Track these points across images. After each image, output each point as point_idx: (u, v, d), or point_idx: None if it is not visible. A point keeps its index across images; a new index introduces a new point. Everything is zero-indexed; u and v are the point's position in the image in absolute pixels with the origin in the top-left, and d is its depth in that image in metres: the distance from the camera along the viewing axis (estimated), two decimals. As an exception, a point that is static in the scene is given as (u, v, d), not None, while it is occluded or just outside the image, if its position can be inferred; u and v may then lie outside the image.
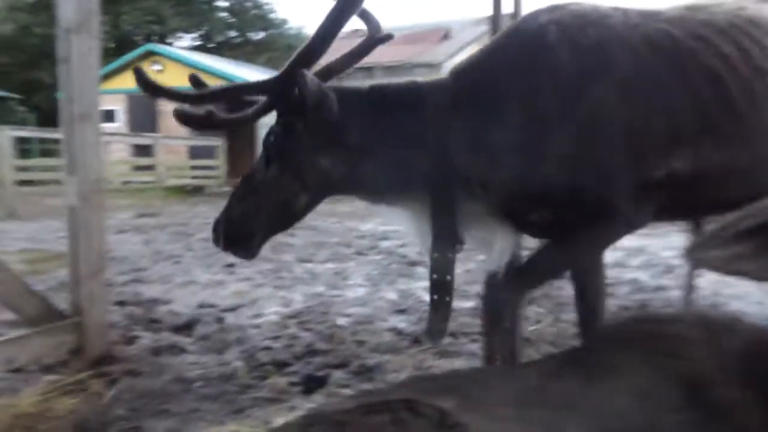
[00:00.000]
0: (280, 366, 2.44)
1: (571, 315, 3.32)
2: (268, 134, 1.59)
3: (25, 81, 22.37)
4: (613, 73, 1.45)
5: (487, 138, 1.48)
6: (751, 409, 0.94)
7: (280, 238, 4.45)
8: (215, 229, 1.64)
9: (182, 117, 1.54)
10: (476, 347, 2.77)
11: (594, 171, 1.46)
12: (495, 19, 1.96)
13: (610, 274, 4.36)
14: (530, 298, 3.66)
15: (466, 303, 3.63)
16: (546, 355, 1.93)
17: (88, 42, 2.41)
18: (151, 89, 1.59)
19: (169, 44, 22.00)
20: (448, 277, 1.56)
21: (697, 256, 0.97)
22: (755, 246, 0.90)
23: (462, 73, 1.60)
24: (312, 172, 1.56)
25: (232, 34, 25.85)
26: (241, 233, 1.60)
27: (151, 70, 17.83)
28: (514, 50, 1.54)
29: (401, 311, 3.40)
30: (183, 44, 24.40)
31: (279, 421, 1.81)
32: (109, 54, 20.13)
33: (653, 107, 1.46)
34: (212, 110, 1.54)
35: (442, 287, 1.58)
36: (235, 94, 1.63)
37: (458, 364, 2.55)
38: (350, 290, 3.92)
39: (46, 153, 19.02)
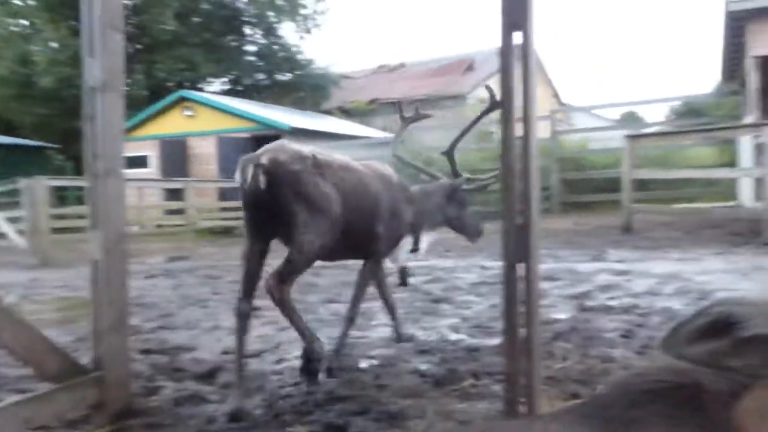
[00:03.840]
0: (301, 414, 2.41)
1: (600, 350, 3.22)
2: None
3: (64, 131, 23.05)
4: None
5: None
6: None
7: (305, 278, 4.47)
8: None
9: None
10: (499, 388, 2.70)
11: None
12: (505, 51, 2.01)
13: (642, 302, 4.24)
14: (557, 333, 3.56)
15: (489, 340, 3.54)
16: (564, 407, 1.88)
17: (113, 100, 2.43)
18: None
19: (200, 90, 22.60)
20: None
21: (677, 352, 1.01)
22: (732, 343, 0.92)
23: None
24: None
25: (261, 76, 26.44)
26: None
27: (183, 115, 18.37)
28: None
29: (424, 352, 3.34)
30: (213, 89, 25.04)
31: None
32: (142, 102, 20.76)
33: None
34: None
35: None
36: None
37: (481, 407, 2.49)
38: (374, 331, 3.89)
39: (82, 200, 19.62)
